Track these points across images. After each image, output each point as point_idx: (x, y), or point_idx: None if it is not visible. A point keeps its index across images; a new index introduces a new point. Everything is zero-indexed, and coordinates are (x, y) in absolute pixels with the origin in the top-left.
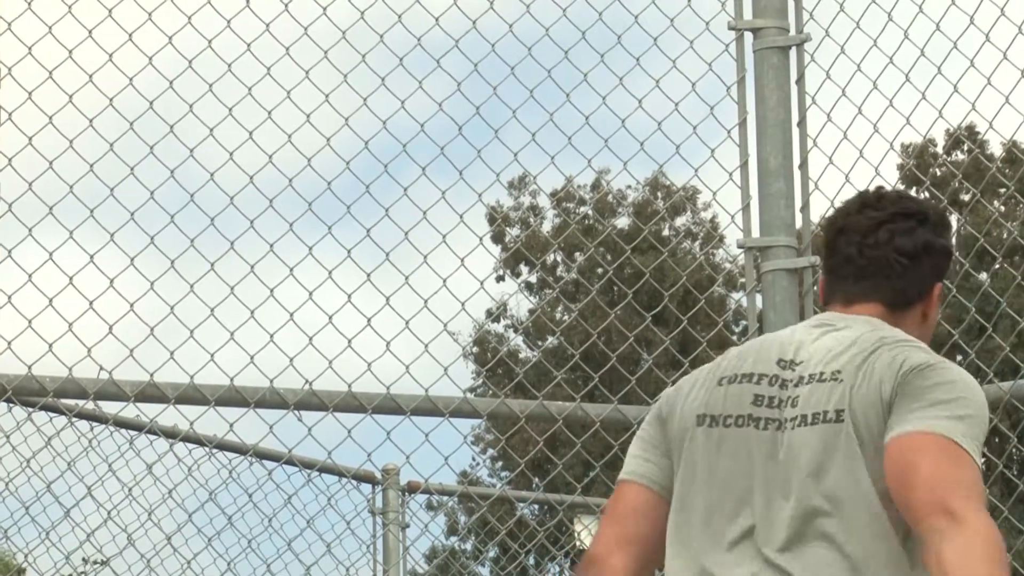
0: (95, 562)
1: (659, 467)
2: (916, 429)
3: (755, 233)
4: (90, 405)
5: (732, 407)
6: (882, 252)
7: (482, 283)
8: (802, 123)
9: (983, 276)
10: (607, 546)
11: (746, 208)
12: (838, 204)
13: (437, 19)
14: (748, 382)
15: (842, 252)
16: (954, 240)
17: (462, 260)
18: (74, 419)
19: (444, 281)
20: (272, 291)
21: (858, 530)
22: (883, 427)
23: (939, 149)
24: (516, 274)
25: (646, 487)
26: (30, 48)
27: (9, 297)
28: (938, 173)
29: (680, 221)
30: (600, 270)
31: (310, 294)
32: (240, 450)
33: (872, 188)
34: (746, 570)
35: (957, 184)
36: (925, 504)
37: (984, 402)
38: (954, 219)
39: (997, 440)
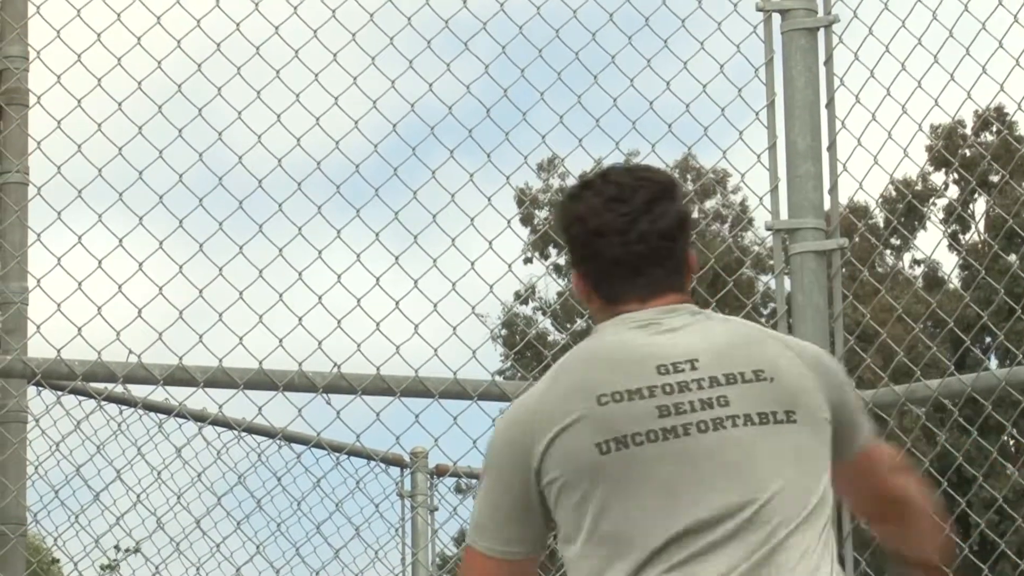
0: (126, 550)
1: (531, 527)
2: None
3: (783, 215)
4: (119, 389)
5: (636, 425)
6: (647, 245)
7: (510, 265)
8: (830, 104)
9: (1012, 258)
10: None
11: (774, 190)
12: (866, 185)
13: (464, 1)
14: (641, 398)
15: (607, 255)
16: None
17: (490, 243)
18: (103, 403)
19: (472, 264)
20: (300, 274)
21: (822, 525)
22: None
23: (968, 130)
24: (544, 256)
25: (517, 562)
26: (59, 31)
27: (38, 281)
28: (967, 154)
29: (709, 203)
30: None
31: (338, 277)
32: (269, 433)
33: (597, 174)
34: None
35: (986, 165)
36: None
37: None
38: (983, 201)
39: None
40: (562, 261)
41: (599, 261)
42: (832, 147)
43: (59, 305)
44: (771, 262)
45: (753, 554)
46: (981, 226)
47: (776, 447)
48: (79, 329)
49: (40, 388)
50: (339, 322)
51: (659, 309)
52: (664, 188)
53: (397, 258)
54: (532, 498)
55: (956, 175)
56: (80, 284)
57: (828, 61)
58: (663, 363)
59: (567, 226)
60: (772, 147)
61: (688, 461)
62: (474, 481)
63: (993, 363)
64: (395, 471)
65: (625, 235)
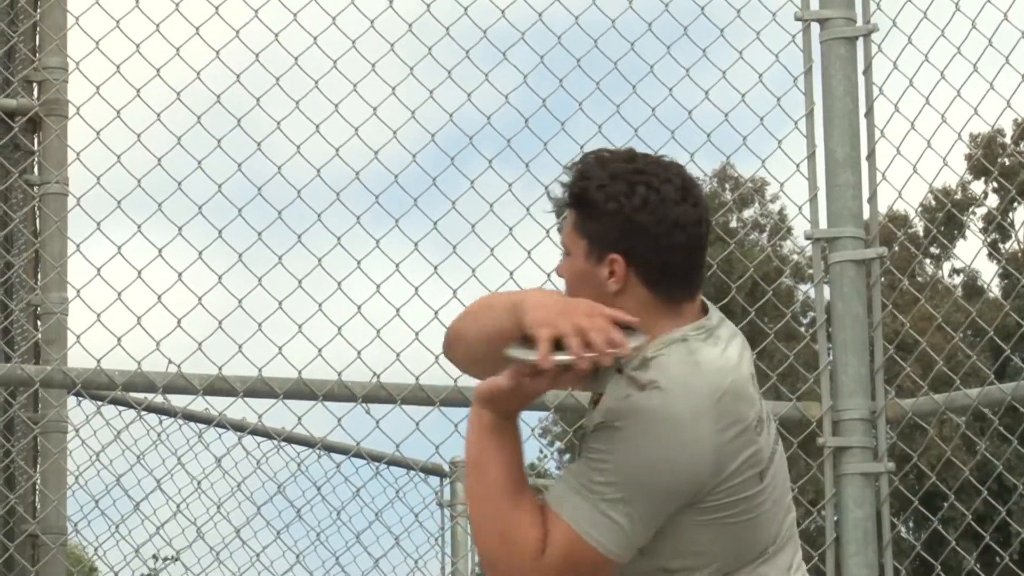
0: (165, 558)
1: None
2: None
3: (823, 224)
4: (159, 399)
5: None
6: (706, 240)
7: (548, 275)
8: (869, 113)
9: None
10: None
11: (813, 199)
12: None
13: (503, 11)
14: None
15: (684, 248)
16: None
17: (528, 252)
18: (143, 412)
19: (511, 273)
20: (340, 284)
21: None
22: None
23: (1007, 139)
24: None
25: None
26: (98, 43)
27: (78, 291)
28: (1006, 163)
29: (747, 213)
30: None
31: (377, 287)
32: (308, 443)
33: (638, 156)
34: None
35: None
36: None
37: None
38: (1023, 210)
39: None
40: None
41: (671, 254)
42: (871, 156)
43: (99, 315)
44: (810, 271)
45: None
46: (1021, 235)
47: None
48: (119, 339)
49: (80, 398)
50: (378, 332)
51: (696, 308)
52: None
53: (436, 268)
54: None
55: (995, 184)
56: (120, 294)
57: (867, 70)
58: (745, 393)
59: (635, 211)
60: (811, 156)
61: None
62: None
63: None
64: (435, 480)
65: (698, 227)
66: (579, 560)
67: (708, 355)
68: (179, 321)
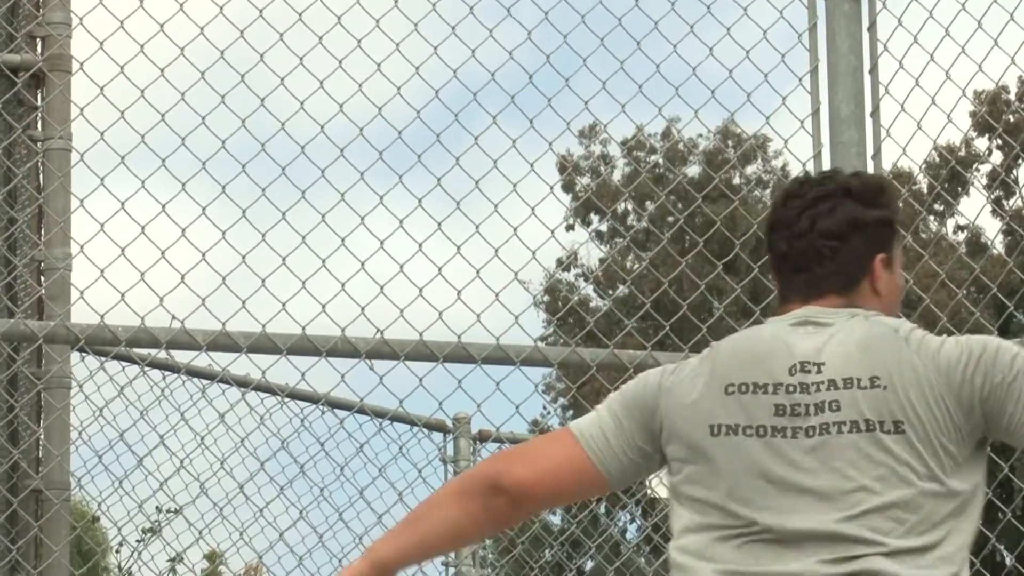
0: (168, 511)
1: (619, 459)
2: None
3: None
4: (162, 354)
5: (750, 419)
6: (808, 241)
7: (552, 232)
8: (874, 70)
9: None
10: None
11: (817, 156)
12: (910, 151)
13: None
14: (764, 393)
15: (777, 249)
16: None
17: (532, 209)
18: (146, 368)
19: (515, 230)
20: (343, 240)
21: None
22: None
23: (1012, 96)
24: (586, 223)
25: (593, 466)
26: None
27: (82, 247)
28: (1011, 120)
29: (751, 169)
30: (671, 219)
31: (381, 243)
32: (312, 399)
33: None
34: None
35: None
36: None
37: None
38: None
39: None
40: (604, 228)
41: (772, 256)
42: (875, 113)
43: (102, 271)
44: None
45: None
46: None
47: (876, 456)
48: (122, 295)
49: (84, 354)
50: (382, 288)
51: (816, 308)
52: (844, 188)
53: (440, 224)
54: (642, 443)
55: (1000, 141)
56: (123, 250)
57: (872, 27)
58: (795, 362)
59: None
60: (815, 113)
61: (789, 463)
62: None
63: None
64: (438, 436)
65: (790, 229)
66: None
67: (748, 332)
68: (183, 277)
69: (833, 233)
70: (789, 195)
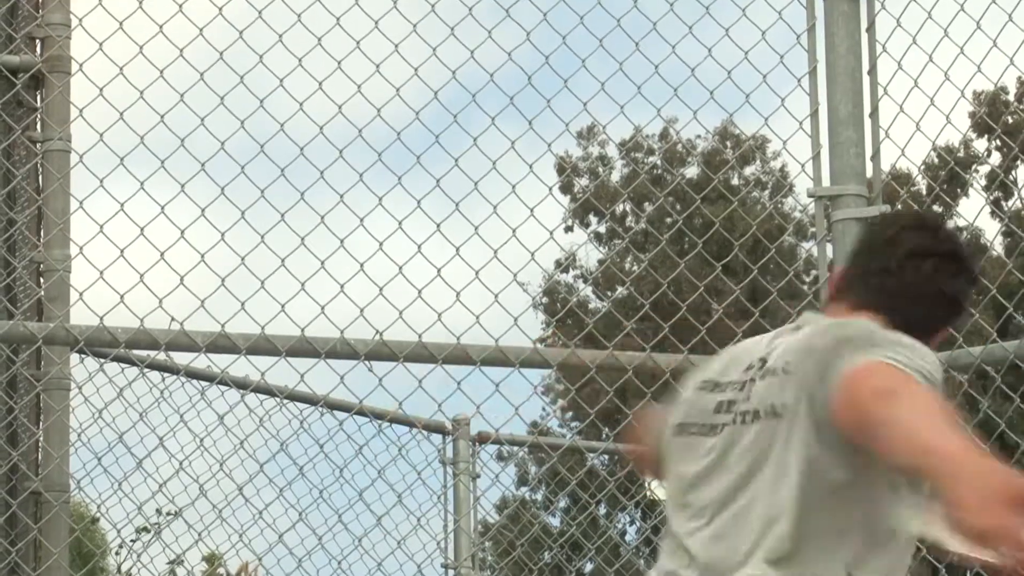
0: (168, 513)
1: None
2: None
3: (825, 182)
4: (161, 356)
5: (696, 417)
6: (918, 280)
7: (551, 233)
8: (872, 71)
9: None
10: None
11: (816, 157)
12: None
13: None
14: (714, 391)
15: (880, 260)
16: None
17: (531, 210)
18: (145, 370)
19: (514, 231)
20: (342, 242)
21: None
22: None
23: (1011, 97)
24: (585, 224)
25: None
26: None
27: (81, 248)
28: (1010, 121)
29: (749, 170)
30: (669, 220)
31: (380, 244)
32: (311, 400)
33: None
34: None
35: None
36: None
37: None
38: None
39: None
40: (602, 229)
41: (872, 262)
42: (874, 114)
43: (101, 272)
44: (813, 229)
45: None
46: None
47: (760, 443)
48: (121, 296)
49: (83, 355)
50: (381, 289)
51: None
52: (969, 264)
53: (439, 225)
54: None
55: (999, 141)
56: (122, 251)
57: (870, 27)
58: (751, 360)
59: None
60: (814, 114)
61: (712, 453)
62: (515, 448)
63: None
64: (437, 438)
65: (911, 258)
66: None
67: None
68: (182, 278)
69: (941, 294)
70: (924, 227)
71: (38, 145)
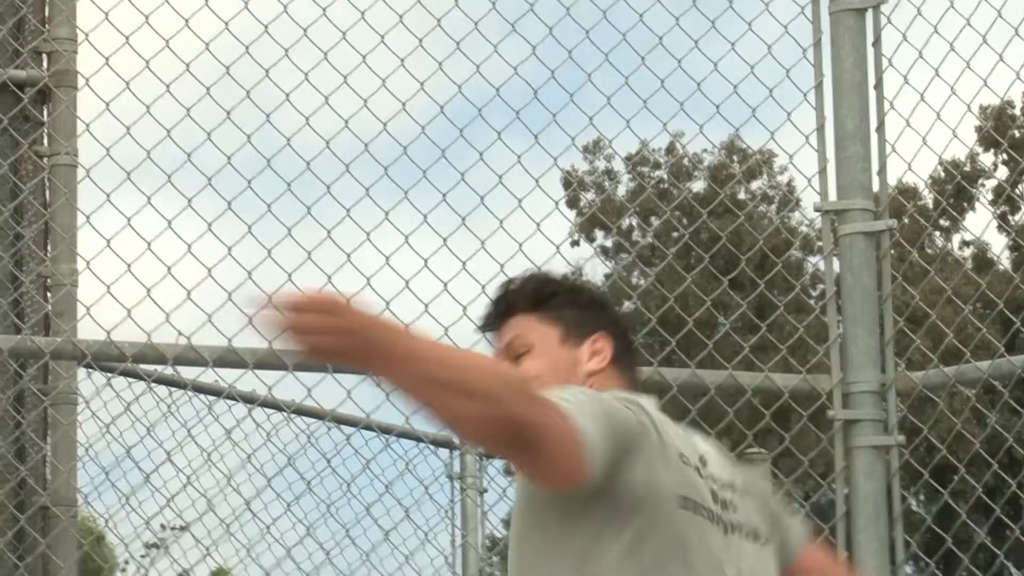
0: (175, 528)
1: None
2: None
3: (832, 196)
4: (169, 371)
5: (701, 499)
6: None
7: (558, 247)
8: (879, 85)
9: None
10: None
11: (823, 171)
12: (915, 166)
13: None
14: (697, 475)
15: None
16: None
17: (538, 225)
18: (153, 385)
19: (520, 246)
20: (349, 256)
21: None
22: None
23: (1017, 111)
24: (591, 239)
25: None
26: (107, 14)
27: (88, 263)
28: (1016, 135)
29: (756, 185)
30: (676, 234)
31: (387, 259)
32: (318, 415)
33: None
34: None
35: None
36: None
37: None
38: None
39: None
40: (609, 244)
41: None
42: (881, 128)
43: (108, 287)
44: (820, 243)
45: None
46: None
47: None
48: (128, 311)
49: (90, 370)
50: (387, 304)
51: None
52: None
53: (445, 240)
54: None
55: (1005, 156)
56: (129, 266)
57: (876, 42)
58: (694, 451)
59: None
60: (820, 128)
61: (737, 556)
62: None
63: None
64: (444, 453)
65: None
66: None
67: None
68: (189, 293)
69: None
70: None
71: (45, 160)
